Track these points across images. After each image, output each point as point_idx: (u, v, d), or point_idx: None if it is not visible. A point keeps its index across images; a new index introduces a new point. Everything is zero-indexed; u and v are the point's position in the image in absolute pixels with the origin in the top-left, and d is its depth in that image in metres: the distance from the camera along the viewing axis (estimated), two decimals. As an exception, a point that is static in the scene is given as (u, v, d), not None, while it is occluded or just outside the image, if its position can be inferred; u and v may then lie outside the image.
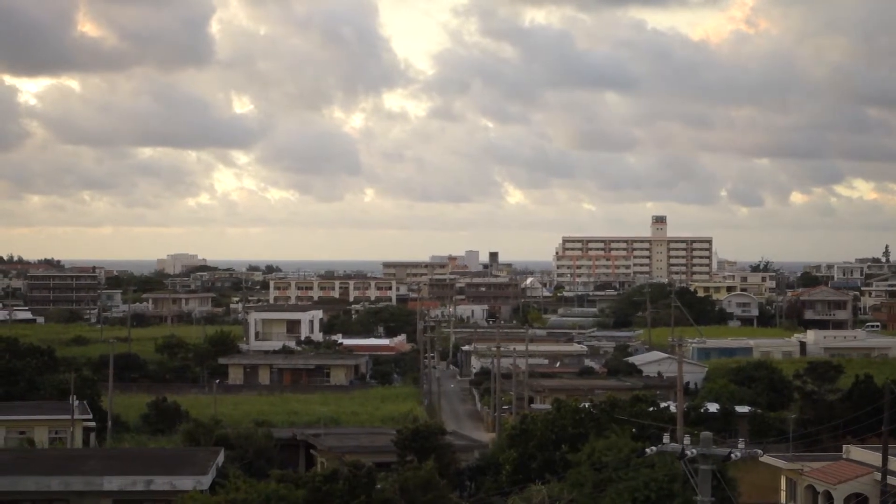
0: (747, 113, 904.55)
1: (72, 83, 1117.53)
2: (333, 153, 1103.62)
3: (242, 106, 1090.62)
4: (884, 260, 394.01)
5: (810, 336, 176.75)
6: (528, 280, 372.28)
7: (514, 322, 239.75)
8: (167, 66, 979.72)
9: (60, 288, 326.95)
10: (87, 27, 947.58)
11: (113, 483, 62.25)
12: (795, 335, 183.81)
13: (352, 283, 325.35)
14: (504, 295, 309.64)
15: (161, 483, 62.14)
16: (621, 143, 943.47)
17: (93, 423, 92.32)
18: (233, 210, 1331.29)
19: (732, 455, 41.94)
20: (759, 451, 48.39)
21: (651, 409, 79.15)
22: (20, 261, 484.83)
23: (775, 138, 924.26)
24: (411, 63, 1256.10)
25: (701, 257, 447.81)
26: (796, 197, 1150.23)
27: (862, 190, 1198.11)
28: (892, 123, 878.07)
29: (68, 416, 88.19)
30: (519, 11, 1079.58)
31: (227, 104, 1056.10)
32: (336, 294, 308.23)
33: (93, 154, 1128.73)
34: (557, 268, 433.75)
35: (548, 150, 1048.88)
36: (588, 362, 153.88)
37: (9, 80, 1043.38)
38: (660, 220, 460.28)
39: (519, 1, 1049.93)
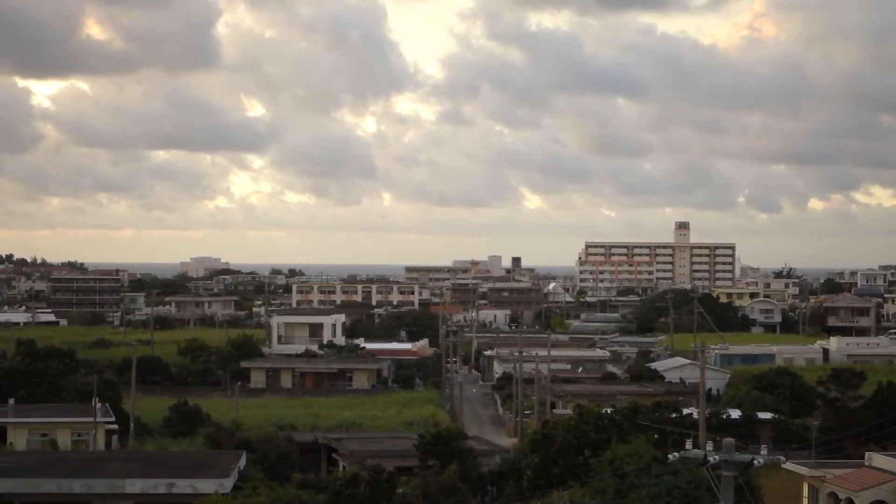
0: (759, 118, 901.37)
1: (81, 85, 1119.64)
2: (347, 157, 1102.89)
3: (253, 109, 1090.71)
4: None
5: (833, 343, 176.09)
6: (551, 285, 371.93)
7: (537, 327, 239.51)
8: (174, 70, 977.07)
9: (83, 290, 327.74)
10: (94, 30, 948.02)
11: (135, 485, 62.45)
12: (818, 342, 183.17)
13: (374, 287, 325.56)
14: (526, 300, 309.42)
15: (183, 486, 62.30)
16: (635, 148, 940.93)
17: (115, 426, 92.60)
18: (252, 213, 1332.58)
19: (755, 462, 41.79)
20: (782, 458, 48.23)
21: (673, 415, 79.05)
22: (43, 263, 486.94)
23: (789, 144, 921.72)
24: (420, 67, 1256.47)
25: (724, 263, 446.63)
26: (815, 203, 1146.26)
27: (880, 197, 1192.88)
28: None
29: (91, 419, 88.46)
30: (524, 15, 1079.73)
31: (237, 107, 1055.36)
32: (359, 298, 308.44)
33: (107, 156, 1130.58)
34: (580, 273, 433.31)
35: (562, 155, 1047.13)
36: (610, 368, 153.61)
37: (20, 82, 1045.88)
38: (683, 226, 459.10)
39: (523, 5, 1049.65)
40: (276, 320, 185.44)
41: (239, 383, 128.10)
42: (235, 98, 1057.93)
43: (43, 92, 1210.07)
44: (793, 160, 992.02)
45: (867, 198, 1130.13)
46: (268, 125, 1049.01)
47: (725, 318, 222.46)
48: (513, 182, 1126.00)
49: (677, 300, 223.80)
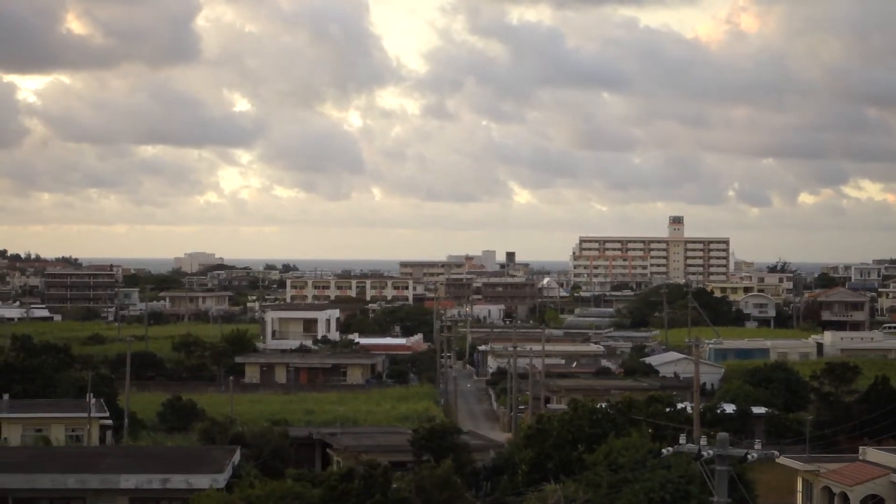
0: (745, 112, 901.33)
1: (63, 80, 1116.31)
2: (334, 151, 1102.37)
3: (237, 104, 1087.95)
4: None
5: (827, 337, 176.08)
6: (545, 280, 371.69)
7: (531, 322, 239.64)
8: (156, 64, 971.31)
9: (78, 286, 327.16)
10: (73, 24, 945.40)
11: (129, 481, 62.46)
12: (812, 336, 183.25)
13: (368, 282, 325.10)
14: (521, 295, 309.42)
15: (177, 481, 62.33)
16: (622, 142, 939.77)
17: (109, 422, 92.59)
18: (243, 209, 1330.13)
19: (749, 456, 41.91)
20: (776, 453, 48.37)
21: (667, 409, 79.09)
22: (37, 258, 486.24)
23: (776, 138, 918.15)
24: (402, 61, 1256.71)
25: (718, 258, 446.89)
26: (805, 197, 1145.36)
27: (870, 191, 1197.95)
28: (890, 123, 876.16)
29: (85, 414, 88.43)
30: (505, 9, 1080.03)
31: (222, 102, 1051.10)
32: (353, 293, 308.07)
33: (94, 151, 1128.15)
34: (574, 268, 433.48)
35: (549, 150, 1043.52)
36: (605, 363, 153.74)
37: (4, 77, 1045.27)
38: (677, 221, 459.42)
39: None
40: (270, 315, 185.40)
41: (233, 378, 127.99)
42: (219, 93, 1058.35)
43: (28, 87, 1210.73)
44: (781, 154, 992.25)
45: (857, 192, 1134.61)
46: (253, 120, 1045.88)
47: (720, 312, 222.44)
48: (501, 177, 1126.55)
49: (671, 295, 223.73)
